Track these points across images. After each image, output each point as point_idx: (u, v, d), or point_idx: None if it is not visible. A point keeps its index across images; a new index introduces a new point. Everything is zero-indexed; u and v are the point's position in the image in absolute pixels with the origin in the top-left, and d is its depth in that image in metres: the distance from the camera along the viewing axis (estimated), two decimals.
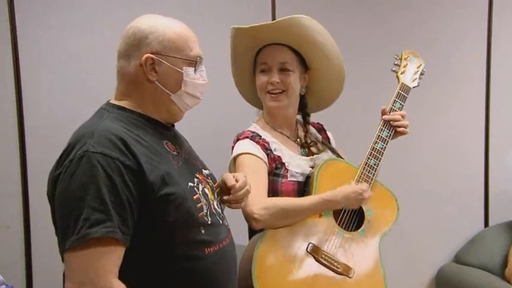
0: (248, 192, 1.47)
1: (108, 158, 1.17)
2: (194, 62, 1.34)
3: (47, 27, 2.31)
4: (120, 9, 2.34)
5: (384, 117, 1.82)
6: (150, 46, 1.30)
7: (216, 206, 1.41)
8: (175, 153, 1.36)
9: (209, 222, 1.32)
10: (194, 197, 1.31)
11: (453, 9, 2.87)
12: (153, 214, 1.22)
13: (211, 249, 1.31)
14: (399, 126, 1.81)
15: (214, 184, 1.48)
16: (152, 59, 1.30)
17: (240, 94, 1.94)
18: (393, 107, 1.85)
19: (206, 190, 1.39)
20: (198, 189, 1.34)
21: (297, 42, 1.76)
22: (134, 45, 1.31)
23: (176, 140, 1.43)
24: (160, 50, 1.30)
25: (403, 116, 1.83)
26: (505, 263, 2.77)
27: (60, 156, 1.23)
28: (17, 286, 2.03)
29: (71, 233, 1.14)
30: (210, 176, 1.48)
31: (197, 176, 1.38)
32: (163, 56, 1.31)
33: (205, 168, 1.49)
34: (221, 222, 1.40)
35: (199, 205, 1.31)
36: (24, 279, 2.32)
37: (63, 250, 1.16)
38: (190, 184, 1.32)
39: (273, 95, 1.76)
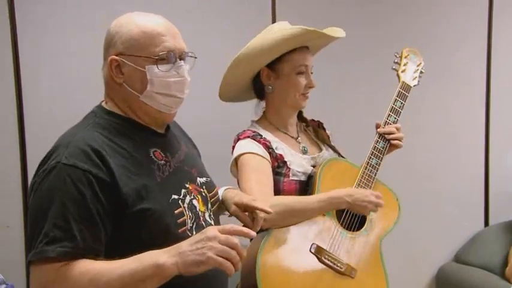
0: None
1: (79, 170, 1.15)
2: (155, 59, 1.26)
3: (47, 27, 2.31)
4: (120, 7, 2.33)
5: (378, 130, 1.83)
6: (115, 47, 1.27)
7: (207, 218, 1.36)
8: (162, 162, 1.30)
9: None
10: (176, 211, 1.26)
11: (453, 9, 2.88)
12: (127, 229, 1.19)
13: None
14: (394, 139, 1.81)
15: (210, 193, 1.42)
16: (116, 60, 1.26)
17: (223, 91, 1.89)
18: (394, 106, 1.85)
19: (195, 202, 1.33)
20: (183, 201, 1.29)
21: (316, 50, 1.90)
22: (105, 48, 1.31)
23: (168, 147, 1.37)
24: (123, 50, 1.26)
25: (397, 129, 1.83)
26: (505, 263, 2.76)
27: (39, 165, 1.22)
28: (17, 285, 2.03)
29: (33, 246, 1.13)
30: (206, 184, 1.43)
31: (187, 186, 1.33)
32: (126, 56, 1.26)
33: (202, 176, 1.43)
34: None
35: (181, 220, 1.26)
36: (24, 278, 2.32)
37: (27, 262, 1.15)
38: (174, 197, 1.27)
39: (307, 96, 1.82)
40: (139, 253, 1.14)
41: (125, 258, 1.16)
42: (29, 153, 2.31)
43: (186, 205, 1.29)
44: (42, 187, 1.16)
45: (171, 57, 1.28)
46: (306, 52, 1.80)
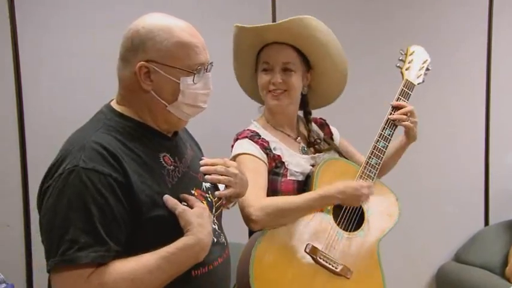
0: (233, 174, 1.38)
1: (100, 174, 1.12)
2: (193, 72, 1.25)
3: (47, 27, 2.31)
4: (121, 7, 2.34)
5: (389, 116, 1.81)
6: (146, 53, 1.22)
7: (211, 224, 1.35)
8: (171, 167, 1.28)
9: None
10: None
11: (453, 8, 2.88)
12: (137, 236, 1.17)
13: (199, 271, 1.26)
14: (402, 121, 1.82)
15: (215, 198, 1.41)
16: (147, 67, 1.22)
17: (242, 88, 1.93)
18: None
19: None
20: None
21: (301, 43, 1.75)
22: (131, 49, 1.24)
23: (177, 151, 1.35)
24: (156, 58, 1.22)
25: (411, 113, 1.82)
26: (505, 262, 2.77)
27: (50, 168, 1.19)
28: (17, 285, 2.03)
29: (56, 252, 1.10)
30: (211, 189, 1.41)
31: (193, 192, 1.31)
32: (159, 64, 1.23)
33: (207, 181, 1.41)
34: (215, 240, 1.33)
35: None
36: (24, 277, 2.32)
37: (48, 269, 1.13)
38: (184, 204, 1.25)
39: (274, 94, 1.75)
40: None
41: None
42: (29, 153, 2.31)
43: None
44: (61, 192, 1.12)
45: (202, 70, 1.28)
46: (276, 48, 1.75)
